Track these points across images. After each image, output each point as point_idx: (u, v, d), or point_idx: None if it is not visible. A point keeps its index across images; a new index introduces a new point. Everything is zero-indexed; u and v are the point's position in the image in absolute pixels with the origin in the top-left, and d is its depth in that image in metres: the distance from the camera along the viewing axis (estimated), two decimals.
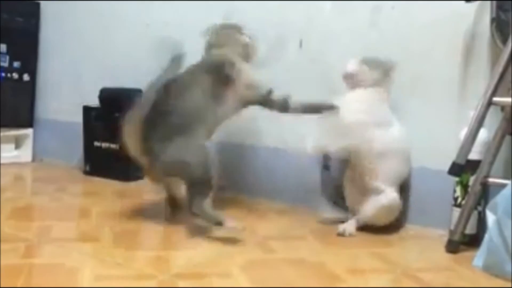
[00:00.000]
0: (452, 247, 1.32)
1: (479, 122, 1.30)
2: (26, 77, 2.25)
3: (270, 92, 1.45)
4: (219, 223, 1.30)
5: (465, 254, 1.29)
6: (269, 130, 1.76)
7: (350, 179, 1.51)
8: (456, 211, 1.37)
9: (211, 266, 1.15)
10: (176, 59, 1.43)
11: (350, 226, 1.44)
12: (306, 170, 1.67)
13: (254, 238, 1.34)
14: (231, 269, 1.12)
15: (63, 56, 2.27)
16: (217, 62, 1.46)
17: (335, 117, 1.41)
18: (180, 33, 1.92)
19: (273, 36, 1.72)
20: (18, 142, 2.26)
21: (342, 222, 1.46)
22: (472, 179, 1.35)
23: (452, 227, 1.36)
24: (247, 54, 1.52)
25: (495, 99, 1.29)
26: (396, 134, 1.45)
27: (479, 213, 1.38)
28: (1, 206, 1.49)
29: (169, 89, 1.39)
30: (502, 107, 1.35)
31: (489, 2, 1.38)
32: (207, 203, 1.31)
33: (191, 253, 1.23)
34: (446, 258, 1.30)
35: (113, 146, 1.97)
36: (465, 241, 1.34)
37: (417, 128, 1.48)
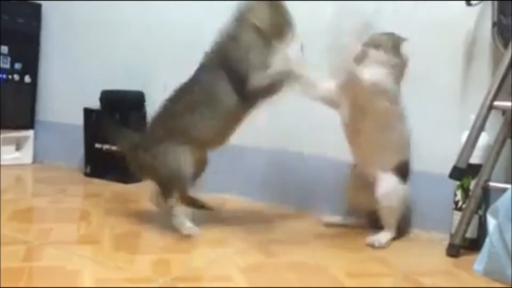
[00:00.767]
0: (453, 251, 1.32)
1: (480, 126, 1.30)
2: (27, 78, 2.25)
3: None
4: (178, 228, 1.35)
5: (466, 258, 1.29)
6: (269, 131, 1.76)
7: (353, 176, 1.49)
8: (457, 215, 1.37)
9: (211, 270, 1.15)
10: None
11: (383, 236, 1.38)
12: (312, 174, 1.67)
13: (256, 241, 1.34)
14: (231, 272, 1.12)
15: (64, 58, 2.27)
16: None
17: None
18: (180, 33, 1.94)
19: None
20: (19, 144, 2.25)
21: (344, 226, 1.45)
22: (473, 183, 1.35)
23: (452, 231, 1.36)
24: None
25: (496, 103, 1.29)
26: (401, 111, 1.40)
27: (480, 217, 1.38)
28: (2, 208, 1.49)
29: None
30: (503, 111, 1.35)
31: (490, 6, 1.38)
32: (174, 203, 1.36)
33: (192, 256, 1.24)
34: (446, 262, 1.30)
35: (113, 148, 1.96)
36: (466, 245, 1.34)
37: (418, 132, 1.48)
